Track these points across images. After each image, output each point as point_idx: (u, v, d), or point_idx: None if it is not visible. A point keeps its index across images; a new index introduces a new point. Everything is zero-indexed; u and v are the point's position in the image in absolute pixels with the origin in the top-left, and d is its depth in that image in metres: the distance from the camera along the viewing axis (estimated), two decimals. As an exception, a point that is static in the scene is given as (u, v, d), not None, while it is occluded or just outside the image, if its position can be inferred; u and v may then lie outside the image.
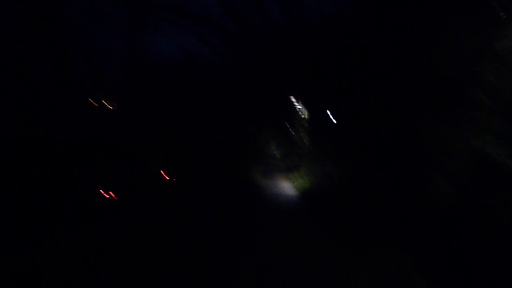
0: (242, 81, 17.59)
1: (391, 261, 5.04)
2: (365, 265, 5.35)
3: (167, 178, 10.77)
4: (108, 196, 7.95)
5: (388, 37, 6.93)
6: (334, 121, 13.74)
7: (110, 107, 11.68)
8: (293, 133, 23.67)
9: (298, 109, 20.33)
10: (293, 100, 19.61)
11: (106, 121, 10.99)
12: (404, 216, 5.28)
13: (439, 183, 4.48)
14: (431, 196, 4.62)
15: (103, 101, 11.38)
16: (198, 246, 6.35)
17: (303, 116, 19.79)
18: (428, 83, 5.20)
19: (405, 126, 5.76)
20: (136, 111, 12.14)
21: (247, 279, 5.03)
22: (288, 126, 23.42)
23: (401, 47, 6.34)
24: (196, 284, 4.89)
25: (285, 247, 6.64)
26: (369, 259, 5.51)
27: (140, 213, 8.02)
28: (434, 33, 5.16)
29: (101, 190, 7.90)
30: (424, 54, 5.32)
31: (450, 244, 4.36)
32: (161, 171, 10.64)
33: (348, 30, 10.24)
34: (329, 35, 12.46)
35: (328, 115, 15.39)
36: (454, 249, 4.25)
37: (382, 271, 5.05)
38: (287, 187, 15.22)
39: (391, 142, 6.29)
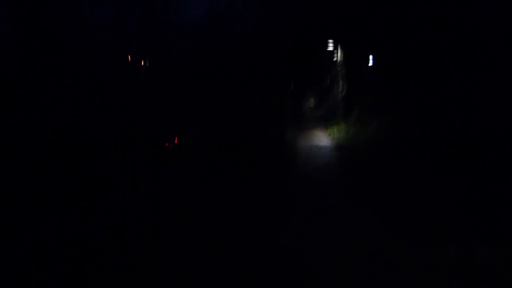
0: (276, 27, 16.38)
1: (469, 257, 3.86)
2: (426, 262, 3.92)
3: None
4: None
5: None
6: (373, 65, 12.62)
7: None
8: (329, 79, 22.47)
9: (335, 54, 19.00)
10: (331, 44, 18.23)
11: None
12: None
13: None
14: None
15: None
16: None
17: (340, 62, 18.53)
18: None
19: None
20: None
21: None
22: (325, 72, 22.19)
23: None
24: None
25: (320, 218, 5.87)
26: (434, 254, 4.07)
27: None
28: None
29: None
30: None
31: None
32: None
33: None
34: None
35: (368, 60, 14.15)
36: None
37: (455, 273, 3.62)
38: (323, 138, 14.63)
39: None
